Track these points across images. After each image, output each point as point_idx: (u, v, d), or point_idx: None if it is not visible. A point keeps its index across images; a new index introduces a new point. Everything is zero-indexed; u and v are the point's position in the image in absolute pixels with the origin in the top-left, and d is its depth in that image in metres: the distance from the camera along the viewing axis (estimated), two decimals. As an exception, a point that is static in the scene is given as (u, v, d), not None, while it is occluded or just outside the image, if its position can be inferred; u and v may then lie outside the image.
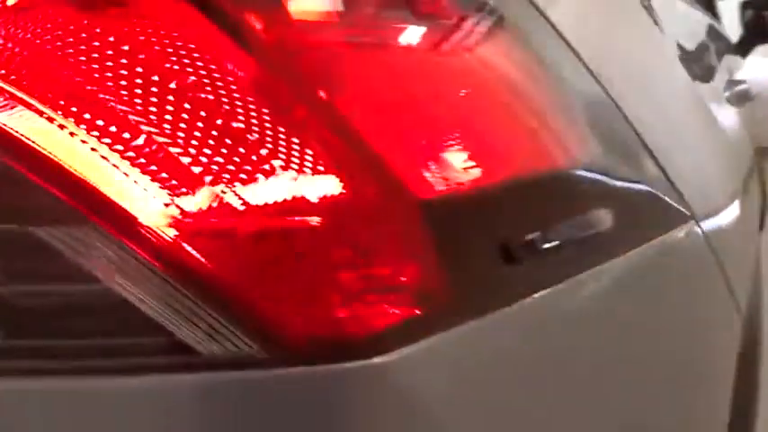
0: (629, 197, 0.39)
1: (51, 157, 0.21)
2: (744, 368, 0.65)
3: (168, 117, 0.22)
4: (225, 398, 0.23)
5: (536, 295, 0.29)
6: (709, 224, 0.51)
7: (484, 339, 0.27)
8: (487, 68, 0.31)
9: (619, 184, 0.38)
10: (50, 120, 0.21)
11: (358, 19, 0.26)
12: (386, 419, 0.24)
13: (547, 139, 0.32)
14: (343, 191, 0.23)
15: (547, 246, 0.29)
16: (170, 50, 0.22)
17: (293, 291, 0.23)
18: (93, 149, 0.21)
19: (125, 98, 0.22)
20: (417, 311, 0.24)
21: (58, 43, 0.22)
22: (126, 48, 0.22)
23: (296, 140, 0.22)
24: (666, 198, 0.43)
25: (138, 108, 0.22)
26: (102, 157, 0.21)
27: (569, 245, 0.31)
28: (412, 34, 0.28)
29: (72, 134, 0.21)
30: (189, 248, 0.22)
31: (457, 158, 0.26)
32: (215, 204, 0.22)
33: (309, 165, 0.23)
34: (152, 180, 0.22)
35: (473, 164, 0.26)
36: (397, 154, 0.24)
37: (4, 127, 0.21)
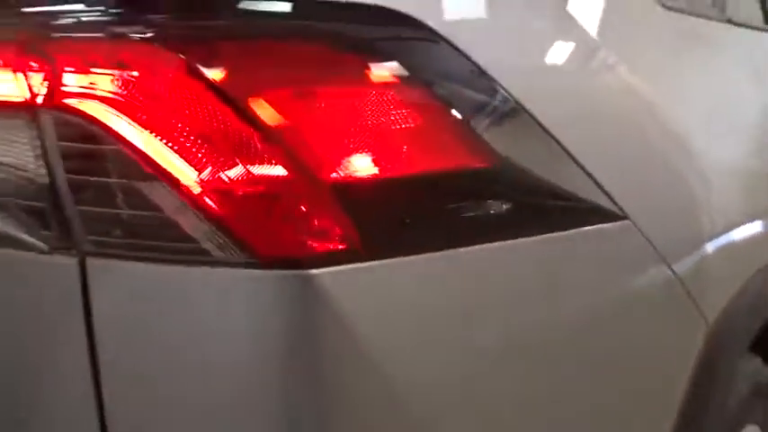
0: (532, 193, 0.52)
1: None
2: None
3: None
4: (226, 281, 0.42)
5: (427, 254, 0.44)
6: (649, 225, 0.60)
7: (386, 273, 0.42)
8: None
9: (525, 183, 0.51)
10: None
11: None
12: (313, 308, 0.41)
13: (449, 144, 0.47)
14: (290, 174, 0.41)
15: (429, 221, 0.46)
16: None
17: (263, 226, 0.41)
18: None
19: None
20: (340, 246, 0.41)
21: None
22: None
23: (259, 149, 0.41)
24: (590, 198, 0.54)
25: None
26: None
27: (457, 223, 0.47)
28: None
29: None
30: (208, 200, 0.40)
31: (361, 155, 0.42)
32: (218, 176, 0.41)
33: (268, 163, 0.41)
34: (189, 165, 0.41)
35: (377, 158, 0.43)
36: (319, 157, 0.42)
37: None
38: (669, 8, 0.80)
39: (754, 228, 0.82)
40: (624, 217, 0.57)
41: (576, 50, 0.62)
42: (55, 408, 0.45)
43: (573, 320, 0.56)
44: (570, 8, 0.63)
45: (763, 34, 1.12)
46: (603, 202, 0.56)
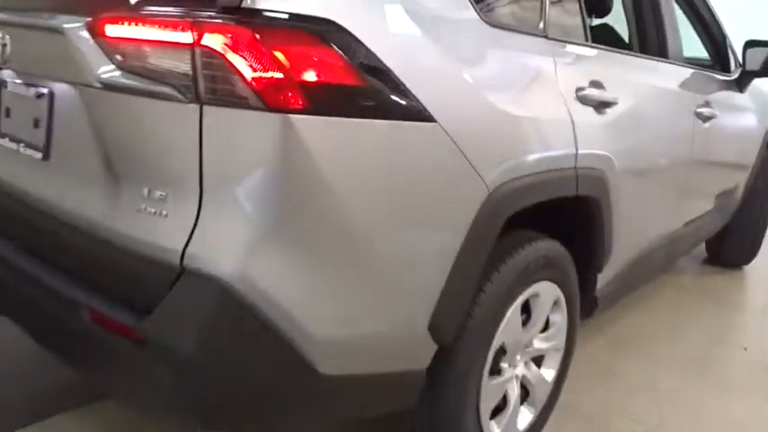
0: (384, 105, 1.16)
1: None
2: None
3: None
4: (258, 116, 1.04)
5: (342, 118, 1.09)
6: (458, 131, 1.27)
7: (324, 122, 1.07)
8: None
9: (384, 99, 1.15)
10: None
11: None
12: (289, 127, 1.05)
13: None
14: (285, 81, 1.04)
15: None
16: None
17: (273, 99, 1.05)
18: None
19: None
20: (299, 104, 1.05)
21: None
22: None
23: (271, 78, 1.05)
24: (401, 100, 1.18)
25: None
26: None
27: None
28: None
29: None
30: (253, 88, 1.05)
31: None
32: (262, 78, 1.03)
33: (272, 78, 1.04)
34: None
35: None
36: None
37: None
38: (491, 23, 1.46)
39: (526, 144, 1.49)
40: (434, 120, 1.23)
41: (416, 35, 1.27)
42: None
43: (395, 180, 1.18)
44: (423, 21, 1.29)
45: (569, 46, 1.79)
46: (422, 111, 1.21)
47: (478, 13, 1.41)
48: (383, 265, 1.22)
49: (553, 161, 1.54)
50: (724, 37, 2.95)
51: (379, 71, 1.14)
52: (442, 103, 1.23)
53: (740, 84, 2.95)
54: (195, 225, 1.09)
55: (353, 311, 1.20)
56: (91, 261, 1.27)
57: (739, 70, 2.93)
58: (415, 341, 1.32)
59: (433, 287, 1.30)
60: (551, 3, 1.68)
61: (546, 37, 1.63)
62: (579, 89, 1.67)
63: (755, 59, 2.86)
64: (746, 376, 2.49)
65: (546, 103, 1.56)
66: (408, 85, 1.18)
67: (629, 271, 2.20)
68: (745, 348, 2.73)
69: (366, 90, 1.13)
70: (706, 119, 2.50)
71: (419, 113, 1.19)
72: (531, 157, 1.47)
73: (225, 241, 1.08)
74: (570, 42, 1.75)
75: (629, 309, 3.00)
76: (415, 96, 1.19)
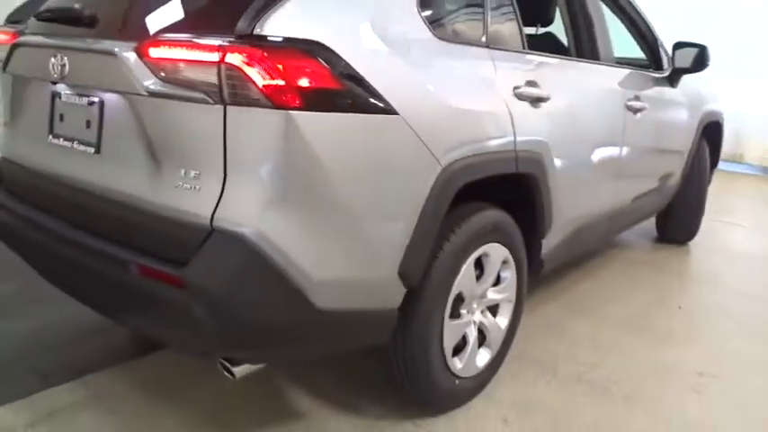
0: (360, 103, 1.55)
1: None
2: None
3: None
4: (266, 113, 1.43)
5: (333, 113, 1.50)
6: (416, 122, 1.66)
7: (315, 116, 1.47)
8: None
9: (361, 99, 1.55)
10: None
11: None
12: (291, 122, 1.44)
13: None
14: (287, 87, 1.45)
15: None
16: None
17: (279, 100, 1.45)
18: None
19: None
20: (295, 103, 1.45)
21: None
22: None
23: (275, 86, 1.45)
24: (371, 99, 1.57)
25: None
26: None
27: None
28: None
29: None
30: (263, 90, 1.44)
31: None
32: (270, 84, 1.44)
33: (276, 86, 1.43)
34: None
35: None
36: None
37: None
38: (441, 38, 1.87)
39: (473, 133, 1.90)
40: (396, 113, 1.63)
41: (388, 59, 1.67)
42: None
43: (369, 158, 1.58)
44: (387, 39, 1.69)
45: (513, 53, 2.21)
46: (388, 107, 1.61)
47: (431, 32, 1.82)
48: (362, 224, 1.62)
49: (494, 145, 1.95)
50: (656, 40, 3.40)
51: (355, 78, 1.54)
52: (403, 100, 1.63)
53: (672, 80, 3.39)
54: (221, 196, 1.48)
55: (340, 259, 1.60)
56: (136, 229, 1.64)
57: (671, 68, 3.37)
58: (388, 284, 1.72)
59: (401, 241, 1.70)
60: (492, 19, 2.09)
61: (487, 47, 2.05)
62: (516, 87, 2.09)
63: (684, 58, 3.30)
64: (678, 329, 2.92)
65: (487, 99, 1.97)
66: (377, 88, 1.58)
67: (572, 238, 2.62)
68: (680, 307, 3.17)
69: (346, 92, 1.53)
70: (636, 111, 2.93)
71: (385, 108, 1.59)
72: (475, 142, 1.88)
73: (244, 207, 1.47)
74: (508, 50, 2.16)
75: (582, 279, 3.44)
76: (382, 96, 1.59)
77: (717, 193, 5.80)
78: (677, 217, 4.00)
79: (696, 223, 4.10)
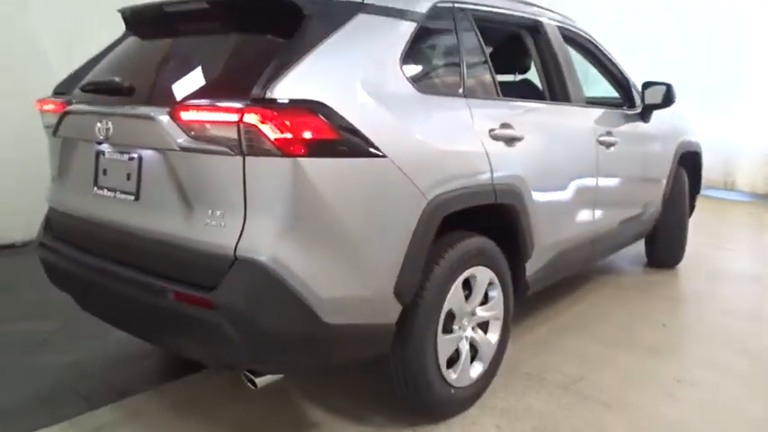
0: (353, 149, 1.87)
1: None
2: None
3: None
4: (277, 162, 1.77)
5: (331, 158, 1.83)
6: (403, 163, 1.98)
7: (320, 162, 1.79)
8: None
9: (352, 144, 1.87)
10: None
11: None
12: (298, 168, 1.76)
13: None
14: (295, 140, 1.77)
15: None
16: None
17: (288, 151, 1.77)
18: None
19: None
20: (301, 152, 1.77)
21: None
22: None
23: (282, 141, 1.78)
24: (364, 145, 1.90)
25: None
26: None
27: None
28: None
29: None
30: (275, 144, 1.77)
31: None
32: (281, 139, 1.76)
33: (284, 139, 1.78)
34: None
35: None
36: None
37: None
38: (422, 91, 2.21)
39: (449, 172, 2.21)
40: (386, 156, 1.96)
41: (377, 112, 1.99)
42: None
43: (364, 194, 1.89)
44: (377, 96, 2.03)
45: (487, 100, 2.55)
46: (378, 151, 1.94)
47: (414, 87, 2.16)
48: (360, 250, 1.92)
49: (473, 180, 2.27)
50: (627, 81, 3.75)
51: (349, 129, 1.86)
52: (390, 145, 1.96)
53: (644, 116, 3.72)
54: (242, 230, 1.80)
55: (343, 280, 1.90)
56: (170, 261, 1.96)
57: (642, 105, 3.71)
58: (386, 302, 2.01)
59: (395, 265, 2.00)
60: (467, 74, 2.44)
61: (464, 96, 2.39)
62: (491, 130, 2.41)
63: (654, 95, 3.64)
64: (660, 343, 3.16)
65: (465, 141, 2.30)
66: (368, 136, 1.91)
67: (556, 261, 2.91)
68: (664, 325, 3.41)
69: (342, 141, 1.86)
70: (609, 145, 3.25)
71: (376, 153, 1.91)
72: (456, 178, 2.19)
73: (261, 239, 1.79)
74: (483, 98, 2.50)
75: (574, 303, 3.70)
76: (372, 143, 1.91)
77: (708, 220, 6.09)
78: (662, 242, 4.27)
79: (681, 247, 4.36)
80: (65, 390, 2.57)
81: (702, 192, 7.26)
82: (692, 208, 4.55)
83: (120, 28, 2.58)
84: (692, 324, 3.52)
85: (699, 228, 5.44)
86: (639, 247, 4.47)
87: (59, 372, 2.72)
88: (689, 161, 4.30)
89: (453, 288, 2.26)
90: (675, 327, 3.42)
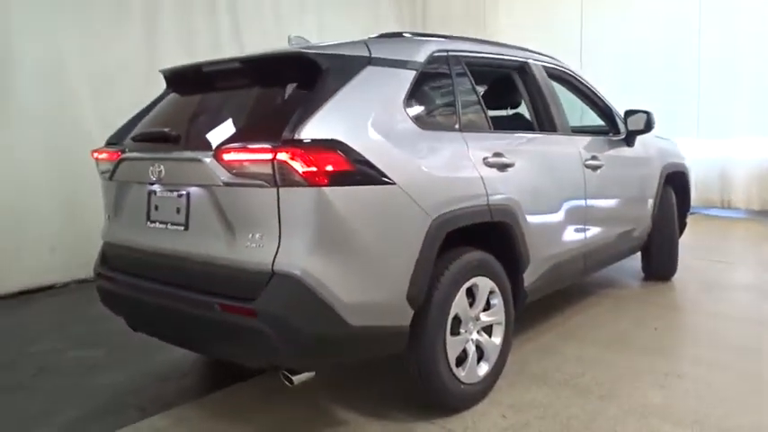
0: (366, 178, 2.23)
1: None
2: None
3: None
4: (304, 190, 2.13)
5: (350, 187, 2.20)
6: (409, 188, 2.35)
7: (339, 191, 2.17)
8: None
9: (366, 174, 2.24)
10: None
11: None
12: (323, 196, 2.14)
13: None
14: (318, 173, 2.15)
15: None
16: None
17: (313, 182, 2.14)
18: None
19: None
20: (324, 182, 2.16)
21: None
22: None
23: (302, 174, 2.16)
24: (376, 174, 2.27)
25: None
26: None
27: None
28: None
29: None
30: (300, 175, 2.14)
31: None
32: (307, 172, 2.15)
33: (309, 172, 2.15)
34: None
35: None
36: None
37: None
38: (423, 128, 2.60)
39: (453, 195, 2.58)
40: (394, 183, 2.33)
41: (385, 146, 2.37)
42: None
43: (377, 216, 2.26)
44: (385, 133, 2.42)
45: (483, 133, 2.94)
46: (388, 179, 2.32)
47: (416, 125, 2.55)
48: (377, 262, 2.28)
49: (470, 202, 2.63)
50: (611, 110, 4.14)
51: (363, 161, 2.24)
52: (398, 174, 2.33)
53: (628, 141, 4.09)
54: (278, 249, 2.17)
55: (363, 288, 2.26)
56: (216, 280, 2.32)
57: (626, 131, 4.08)
58: (400, 306, 2.36)
59: (406, 274, 2.35)
60: (462, 112, 2.84)
61: (460, 131, 2.78)
62: (485, 158, 2.79)
63: (636, 122, 4.02)
64: (652, 344, 3.46)
65: (462, 169, 2.68)
66: (379, 167, 2.28)
67: (551, 273, 3.25)
68: (656, 328, 3.71)
69: (358, 171, 2.23)
70: (595, 168, 3.62)
71: (386, 181, 2.29)
72: (455, 201, 2.56)
73: (294, 256, 2.15)
74: (477, 131, 2.89)
75: (575, 314, 4.01)
76: (383, 172, 2.29)
77: (704, 236, 6.41)
78: (655, 256, 4.59)
79: (673, 260, 4.67)
80: (119, 402, 2.91)
81: (702, 211, 7.65)
82: (682, 225, 4.88)
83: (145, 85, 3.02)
84: (683, 327, 3.82)
85: (696, 243, 5.77)
86: (637, 262, 4.79)
87: (113, 389, 3.07)
88: (676, 181, 4.64)
89: (458, 295, 2.60)
90: (666, 329, 3.72)
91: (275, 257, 2.16)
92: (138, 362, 3.39)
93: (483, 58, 3.19)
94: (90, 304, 3.80)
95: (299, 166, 2.12)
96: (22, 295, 4.90)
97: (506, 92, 3.56)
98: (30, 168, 4.95)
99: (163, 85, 3.02)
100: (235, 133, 2.43)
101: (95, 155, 2.91)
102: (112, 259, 2.88)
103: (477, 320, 2.76)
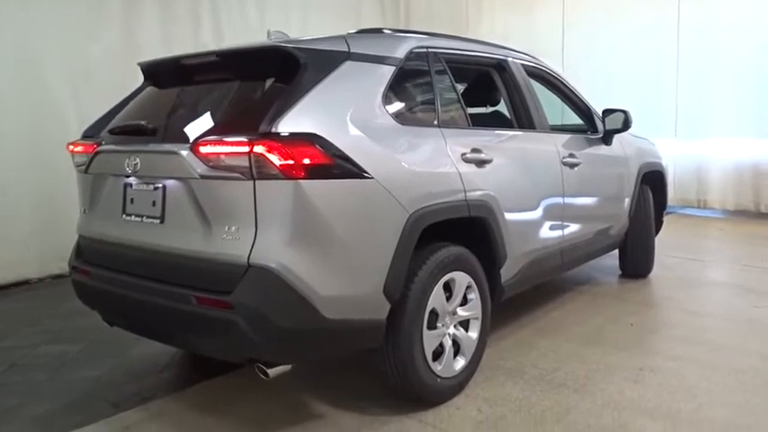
0: (344, 173, 2.23)
1: None
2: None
3: None
4: (281, 183, 2.14)
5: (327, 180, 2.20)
6: (387, 182, 2.36)
7: (315, 183, 2.17)
8: None
9: (345, 169, 2.24)
10: None
11: None
12: (299, 188, 2.14)
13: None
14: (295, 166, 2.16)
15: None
16: None
17: (289, 174, 2.15)
18: None
19: None
20: (301, 175, 2.16)
21: None
22: None
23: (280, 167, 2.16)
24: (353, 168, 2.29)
25: None
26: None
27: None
28: None
29: None
30: (278, 168, 2.15)
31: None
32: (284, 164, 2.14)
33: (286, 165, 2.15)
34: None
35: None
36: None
37: None
38: (401, 123, 2.62)
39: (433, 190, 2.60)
40: (372, 177, 2.34)
41: (363, 141, 2.37)
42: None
43: (355, 210, 2.27)
44: (364, 128, 2.42)
45: (462, 129, 2.96)
46: (365, 173, 2.33)
47: (395, 120, 2.56)
48: (353, 255, 2.29)
49: (448, 197, 2.65)
50: (589, 109, 4.18)
51: (341, 155, 2.25)
52: (376, 168, 2.34)
53: (605, 139, 4.14)
54: (254, 242, 2.16)
55: (339, 281, 2.26)
56: (192, 272, 2.31)
57: (604, 130, 4.13)
58: (376, 299, 2.36)
59: (383, 268, 2.36)
60: (441, 108, 2.85)
61: (439, 127, 2.79)
62: (463, 154, 2.81)
63: (614, 121, 4.07)
64: (627, 339, 3.50)
65: (440, 164, 2.69)
66: (357, 161, 2.29)
67: (528, 269, 3.28)
68: (632, 324, 3.76)
69: (335, 165, 2.24)
70: (573, 165, 3.66)
71: (364, 175, 2.30)
72: (433, 196, 2.57)
73: (270, 248, 2.15)
74: (455, 127, 2.91)
75: (553, 309, 4.05)
76: (360, 166, 2.30)
77: (681, 235, 6.49)
78: (632, 254, 4.65)
79: (649, 258, 4.74)
80: (94, 398, 2.89)
81: (679, 210, 7.76)
82: (659, 223, 4.94)
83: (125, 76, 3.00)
84: (657, 323, 3.88)
85: (673, 242, 5.85)
86: (614, 259, 4.85)
87: (88, 384, 3.05)
88: (653, 180, 4.71)
89: (435, 289, 2.62)
90: (642, 325, 3.77)
91: (251, 250, 2.16)
92: (114, 357, 3.36)
93: (462, 55, 3.21)
94: (66, 299, 3.78)
95: (275, 159, 2.12)
96: (-3, 290, 4.84)
97: (485, 89, 3.58)
98: (4, 163, 4.88)
99: (141, 79, 3.00)
100: (212, 126, 2.42)
101: (71, 147, 2.89)
102: (88, 253, 2.85)
103: (454, 315, 2.78)
